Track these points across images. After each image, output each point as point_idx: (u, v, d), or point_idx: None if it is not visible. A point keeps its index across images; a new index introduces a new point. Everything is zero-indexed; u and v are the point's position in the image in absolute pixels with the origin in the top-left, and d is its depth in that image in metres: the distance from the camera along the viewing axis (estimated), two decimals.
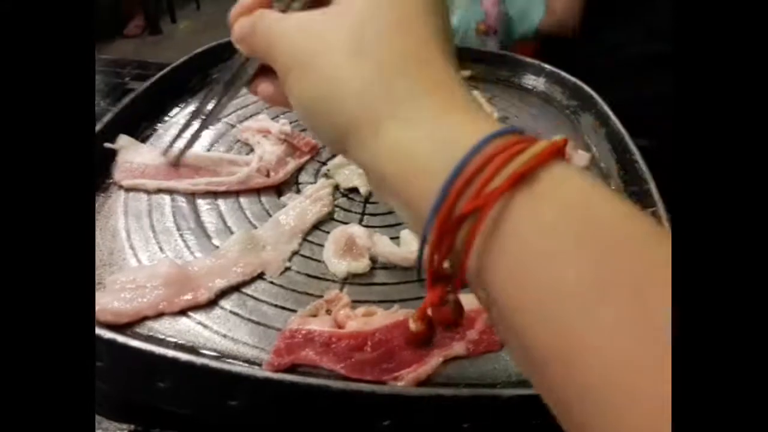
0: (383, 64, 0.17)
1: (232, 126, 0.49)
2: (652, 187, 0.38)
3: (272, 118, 0.50)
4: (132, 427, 0.32)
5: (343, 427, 0.25)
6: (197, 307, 0.31)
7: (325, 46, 0.18)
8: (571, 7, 0.78)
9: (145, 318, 0.30)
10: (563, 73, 0.53)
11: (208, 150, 0.46)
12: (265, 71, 0.22)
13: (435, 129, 0.16)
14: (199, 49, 0.55)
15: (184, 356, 0.25)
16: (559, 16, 0.79)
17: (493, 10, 0.80)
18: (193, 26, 2.86)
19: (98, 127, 0.42)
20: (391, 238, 0.37)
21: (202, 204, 0.40)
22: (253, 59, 0.22)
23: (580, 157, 0.46)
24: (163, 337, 0.29)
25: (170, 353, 0.25)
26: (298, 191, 0.43)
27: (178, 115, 0.50)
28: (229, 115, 0.51)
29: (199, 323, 0.31)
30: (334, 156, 0.46)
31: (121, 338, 0.26)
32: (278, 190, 0.43)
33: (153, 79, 0.49)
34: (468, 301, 0.31)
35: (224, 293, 0.32)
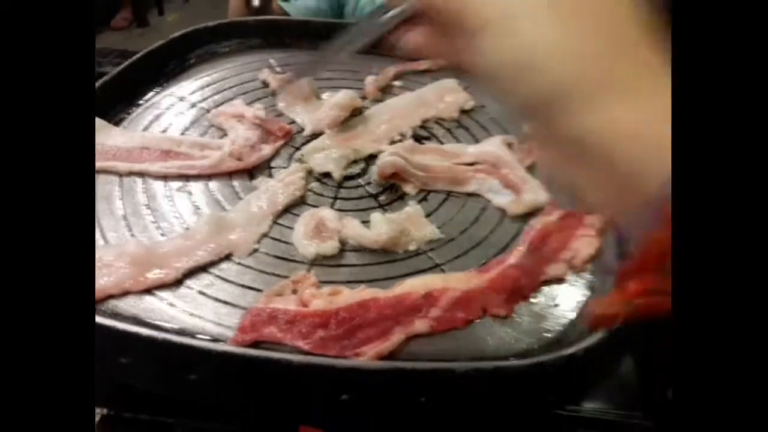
0: (596, 35, 0.17)
1: (207, 111, 0.49)
2: None
3: (247, 104, 0.50)
4: (105, 411, 0.33)
5: (304, 400, 0.26)
6: (164, 286, 0.31)
7: (526, 8, 0.18)
8: None
9: (110, 296, 0.30)
10: None
11: (182, 134, 0.46)
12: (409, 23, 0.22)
13: (657, 112, 0.17)
14: (176, 34, 0.55)
15: (145, 331, 0.25)
16: None
17: None
18: (181, 19, 2.83)
19: None
20: (363, 222, 0.37)
21: (174, 187, 0.40)
22: (398, 13, 0.22)
23: None
24: (127, 314, 0.30)
25: (132, 328, 0.25)
26: (271, 175, 0.43)
27: (154, 98, 0.50)
28: (204, 99, 0.51)
29: (165, 301, 0.31)
30: (308, 141, 0.46)
31: None
32: (250, 174, 0.43)
33: (127, 63, 0.49)
34: (430, 281, 0.32)
35: (191, 273, 0.33)
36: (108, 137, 0.43)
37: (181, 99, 0.51)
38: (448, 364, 0.25)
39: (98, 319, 0.26)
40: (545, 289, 0.33)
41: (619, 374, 0.36)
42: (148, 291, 0.31)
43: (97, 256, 0.32)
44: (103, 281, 0.30)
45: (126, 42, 2.49)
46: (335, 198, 0.41)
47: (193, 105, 0.50)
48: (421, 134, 0.49)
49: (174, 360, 0.25)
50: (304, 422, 0.28)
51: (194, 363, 0.25)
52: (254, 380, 0.25)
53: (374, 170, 0.43)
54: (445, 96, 0.53)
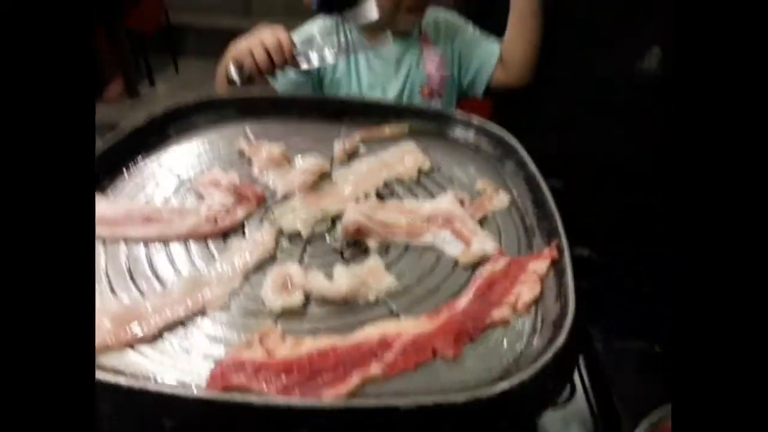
0: None
1: (187, 179, 0.53)
2: (558, 222, 0.44)
3: (224, 171, 0.54)
4: None
5: None
6: (143, 341, 0.34)
7: None
8: (528, 60, 0.84)
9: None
10: (489, 127, 0.60)
11: (164, 200, 0.50)
12: None
13: None
14: (158, 111, 0.60)
15: (123, 380, 0.28)
16: (517, 71, 0.85)
17: (436, 75, 0.86)
18: (172, 89, 2.94)
19: None
20: (328, 275, 0.41)
21: (153, 250, 0.44)
22: None
23: (502, 197, 0.51)
24: (108, 368, 0.32)
25: (112, 379, 0.28)
26: (244, 236, 0.47)
27: (137, 168, 0.54)
28: (184, 168, 0.55)
29: (144, 355, 0.34)
30: (279, 203, 0.51)
31: None
32: (225, 235, 0.47)
33: (113, 140, 0.54)
34: (386, 327, 0.35)
35: (168, 327, 0.36)
36: (95, 206, 0.46)
37: (163, 168, 0.55)
38: (393, 400, 0.28)
39: None
40: (491, 331, 0.37)
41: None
42: (129, 345, 0.34)
43: None
44: None
45: (118, 113, 2.58)
46: (303, 254, 0.45)
47: (173, 173, 0.54)
48: (383, 193, 0.53)
49: (150, 407, 0.28)
50: None
51: (168, 409, 0.28)
52: (223, 421, 0.28)
53: (339, 228, 0.47)
54: (405, 158, 0.58)
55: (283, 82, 0.80)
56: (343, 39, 0.76)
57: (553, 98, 0.88)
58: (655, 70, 0.89)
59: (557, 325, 0.34)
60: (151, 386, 0.28)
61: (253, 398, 0.28)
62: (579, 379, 0.44)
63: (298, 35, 0.85)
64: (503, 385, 0.29)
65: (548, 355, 0.31)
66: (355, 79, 0.86)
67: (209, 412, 0.28)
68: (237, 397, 0.28)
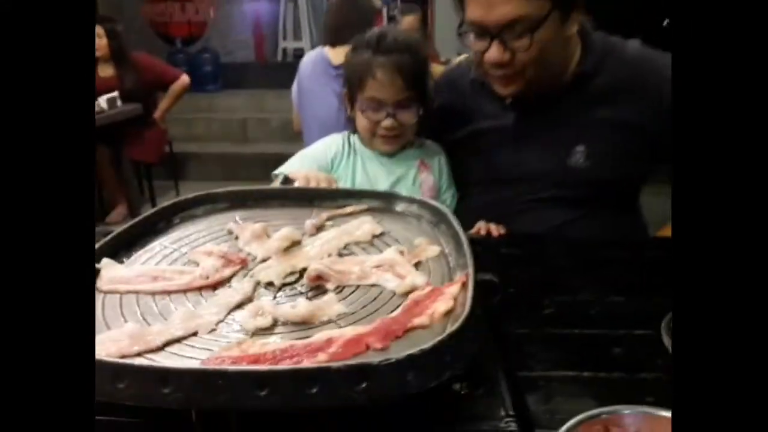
0: None
1: (186, 252, 0.67)
2: (469, 259, 0.57)
3: (217, 245, 0.68)
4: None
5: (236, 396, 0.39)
6: (149, 351, 0.46)
7: None
8: None
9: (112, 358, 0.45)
10: (427, 201, 0.75)
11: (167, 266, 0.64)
12: None
13: None
14: (166, 203, 0.75)
15: (137, 362, 0.40)
16: None
17: (427, 196, 1.05)
18: None
19: None
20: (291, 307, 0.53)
21: (158, 299, 0.56)
22: None
23: (434, 249, 0.65)
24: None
25: (121, 361, 0.40)
26: (230, 288, 0.59)
27: (147, 247, 0.68)
28: (184, 245, 0.69)
29: (150, 360, 0.45)
30: (259, 264, 0.64)
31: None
32: (214, 288, 0.59)
33: (128, 224, 0.68)
34: (332, 332, 0.47)
35: (169, 343, 0.47)
36: (112, 271, 0.60)
37: (167, 246, 0.69)
38: (327, 364, 0.40)
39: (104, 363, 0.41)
40: (413, 333, 0.49)
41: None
42: (140, 354, 0.45)
43: (105, 336, 0.47)
44: (108, 349, 0.45)
45: None
46: (275, 297, 0.58)
47: (176, 250, 0.68)
48: (343, 253, 0.67)
49: (154, 378, 0.39)
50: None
51: (166, 379, 0.39)
52: (207, 388, 0.39)
53: (305, 276, 0.60)
54: (362, 227, 0.72)
55: None
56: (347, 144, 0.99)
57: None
58: (582, 163, 1.08)
59: (456, 320, 0.46)
60: (153, 365, 0.40)
61: (228, 367, 0.39)
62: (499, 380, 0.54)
63: (315, 153, 1.10)
64: (410, 351, 0.41)
65: (445, 335, 0.43)
66: (350, 178, 1.06)
67: (197, 381, 0.39)
68: (215, 366, 0.39)
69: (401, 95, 1.02)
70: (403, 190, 1.03)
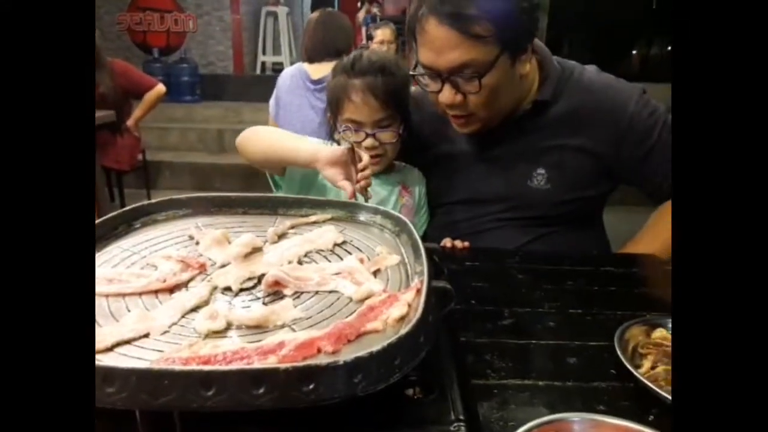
0: None
1: (145, 256, 0.67)
2: (425, 267, 0.58)
3: (176, 250, 0.68)
4: None
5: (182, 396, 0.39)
6: (99, 352, 0.45)
7: None
8: None
9: None
10: (390, 211, 0.76)
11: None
12: None
13: None
14: (126, 208, 0.75)
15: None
16: None
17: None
18: None
19: None
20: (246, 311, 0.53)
21: (113, 300, 0.56)
22: None
23: (394, 258, 0.66)
24: None
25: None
26: (187, 291, 0.59)
27: (105, 250, 0.67)
28: (144, 249, 0.68)
29: (98, 360, 0.45)
30: (218, 269, 0.64)
31: None
32: (171, 291, 0.59)
33: None
34: (285, 335, 0.47)
35: (119, 344, 0.47)
36: None
37: (126, 250, 0.68)
38: (273, 365, 0.40)
39: None
40: (366, 337, 0.49)
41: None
42: None
43: None
44: None
45: None
46: (231, 302, 0.57)
47: (135, 253, 0.68)
48: (304, 261, 0.67)
49: (98, 377, 0.39)
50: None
51: (111, 379, 0.39)
52: (151, 385, 0.39)
53: (263, 281, 0.60)
54: (324, 235, 0.73)
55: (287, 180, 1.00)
56: None
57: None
58: (543, 185, 1.11)
59: (408, 323, 0.47)
60: (97, 364, 0.39)
61: (175, 367, 0.39)
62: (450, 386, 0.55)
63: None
64: (358, 354, 0.41)
65: (394, 338, 0.44)
66: (336, 191, 1.08)
67: (142, 380, 0.39)
68: (160, 366, 0.39)
69: (378, 115, 1.05)
70: None
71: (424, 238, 0.69)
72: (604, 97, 1.07)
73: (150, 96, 3.39)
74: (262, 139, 1.05)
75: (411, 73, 1.03)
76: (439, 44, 0.93)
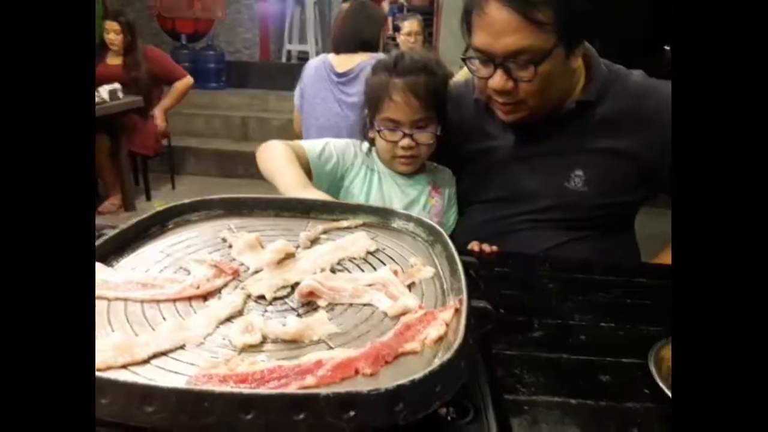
0: None
1: (178, 258, 0.66)
2: (463, 283, 0.56)
3: (209, 253, 0.67)
4: None
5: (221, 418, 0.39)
6: (134, 364, 0.45)
7: None
8: None
9: (97, 370, 0.44)
10: (424, 219, 0.75)
11: (158, 273, 0.63)
12: None
13: None
14: (160, 208, 0.75)
15: (117, 376, 0.39)
16: None
17: (434, 220, 1.05)
18: (166, 204, 3.16)
19: None
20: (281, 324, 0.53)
21: (147, 307, 0.56)
22: None
23: (428, 270, 0.64)
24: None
25: (105, 375, 0.39)
26: (220, 299, 0.59)
27: (138, 251, 0.67)
28: (177, 251, 0.68)
29: (135, 373, 0.44)
30: (251, 275, 0.63)
31: None
32: (205, 298, 0.59)
33: (121, 228, 0.68)
34: (321, 354, 0.47)
35: (156, 356, 0.47)
36: (101, 276, 0.59)
37: (159, 252, 0.68)
38: (314, 391, 0.39)
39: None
40: (404, 358, 0.48)
41: None
42: (124, 367, 0.45)
43: None
44: None
45: (111, 224, 2.75)
46: (265, 312, 0.57)
47: (168, 255, 0.67)
48: (336, 269, 0.67)
49: (137, 395, 0.39)
50: None
51: (150, 398, 0.38)
52: (191, 406, 0.38)
53: (296, 291, 0.59)
54: (356, 242, 0.72)
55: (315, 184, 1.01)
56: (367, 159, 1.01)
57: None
58: (580, 187, 1.09)
59: (448, 348, 0.46)
60: (138, 381, 0.39)
61: (213, 387, 0.39)
62: (483, 405, 0.54)
63: (341, 148, 1.11)
64: (400, 382, 0.40)
65: (436, 364, 0.42)
66: (365, 194, 1.07)
67: (182, 401, 0.39)
68: (201, 387, 0.39)
69: (417, 115, 1.03)
70: (413, 212, 1.05)
71: (451, 239, 0.67)
72: (651, 101, 1.04)
73: (179, 86, 3.43)
74: (267, 158, 1.07)
75: (462, 57, 1.01)
76: (499, 27, 0.91)
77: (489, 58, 0.96)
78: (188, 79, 3.46)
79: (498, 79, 0.96)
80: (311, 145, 1.10)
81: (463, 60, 1.01)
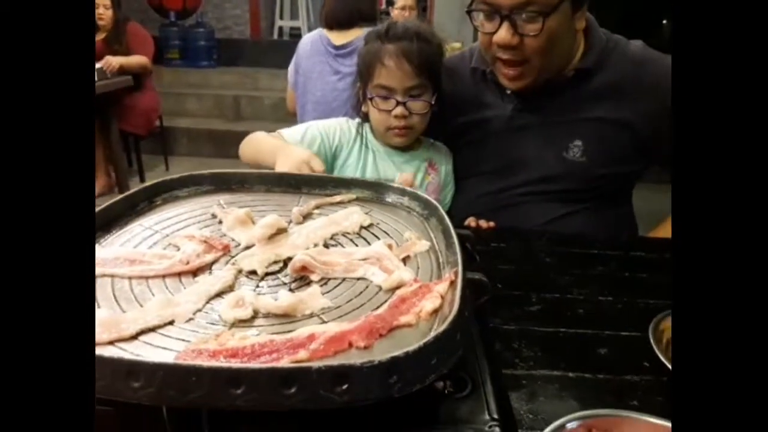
0: None
1: (167, 235, 0.65)
2: (459, 256, 0.55)
3: (199, 229, 0.66)
4: None
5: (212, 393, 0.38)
6: (122, 340, 0.44)
7: None
8: None
9: None
10: (418, 193, 0.73)
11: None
12: None
13: None
14: (147, 183, 0.72)
15: (102, 352, 0.38)
16: None
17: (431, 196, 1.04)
18: None
19: None
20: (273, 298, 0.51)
21: (135, 283, 0.54)
22: None
23: (423, 244, 0.63)
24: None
25: (97, 352, 0.38)
26: (211, 274, 0.57)
27: (126, 228, 0.65)
28: (166, 228, 0.66)
29: (121, 349, 0.43)
30: (242, 251, 0.62)
31: None
32: (195, 274, 0.57)
33: (108, 203, 0.66)
34: (314, 327, 0.45)
35: (143, 332, 0.45)
36: None
37: (148, 228, 0.66)
38: (306, 364, 0.38)
39: None
40: (398, 331, 0.47)
41: None
42: (111, 343, 0.43)
43: None
44: None
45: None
46: (257, 287, 0.56)
47: (157, 232, 0.66)
48: (330, 244, 0.65)
49: (123, 371, 0.37)
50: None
51: (137, 373, 0.37)
52: (178, 381, 0.37)
53: (289, 266, 0.58)
54: (350, 217, 0.70)
55: None
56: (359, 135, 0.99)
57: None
58: (579, 158, 1.07)
59: (444, 320, 0.45)
60: (124, 357, 0.38)
61: (203, 363, 0.38)
62: (481, 379, 0.53)
63: (325, 127, 1.09)
64: (394, 354, 0.39)
65: (431, 337, 0.41)
66: (360, 171, 1.05)
67: (169, 376, 0.37)
68: (188, 361, 0.38)
69: (410, 82, 1.01)
70: None
71: (448, 215, 0.66)
72: (650, 71, 1.02)
73: (139, 57, 3.34)
74: (249, 144, 1.09)
75: (467, 10, 0.98)
76: None
77: (495, 10, 0.93)
78: (146, 60, 3.40)
79: (504, 33, 0.93)
80: (290, 132, 1.08)
81: (468, 13, 0.98)
